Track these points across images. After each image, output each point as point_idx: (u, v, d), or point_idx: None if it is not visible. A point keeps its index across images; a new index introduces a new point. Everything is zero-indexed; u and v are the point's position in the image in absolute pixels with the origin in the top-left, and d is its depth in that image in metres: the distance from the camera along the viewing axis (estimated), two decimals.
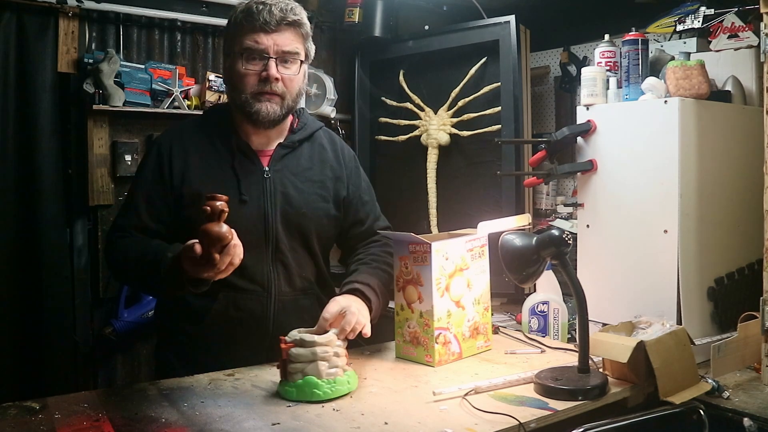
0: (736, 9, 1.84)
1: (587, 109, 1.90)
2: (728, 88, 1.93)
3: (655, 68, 1.93)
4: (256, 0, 1.55)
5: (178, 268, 1.36)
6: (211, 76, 2.68)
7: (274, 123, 1.60)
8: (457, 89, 2.60)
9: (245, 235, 1.51)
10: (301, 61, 1.60)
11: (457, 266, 1.60)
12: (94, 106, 2.42)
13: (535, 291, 1.95)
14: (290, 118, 1.70)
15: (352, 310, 1.46)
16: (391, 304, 1.66)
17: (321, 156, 1.71)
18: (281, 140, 1.66)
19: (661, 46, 2.11)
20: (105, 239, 1.61)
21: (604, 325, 1.69)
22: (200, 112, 2.59)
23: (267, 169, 1.61)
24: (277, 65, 1.55)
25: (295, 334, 1.38)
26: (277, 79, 1.55)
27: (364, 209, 1.78)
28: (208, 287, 1.39)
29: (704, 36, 2.00)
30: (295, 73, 1.59)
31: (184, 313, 1.60)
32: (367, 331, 1.49)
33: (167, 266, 1.40)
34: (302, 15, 1.58)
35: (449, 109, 2.63)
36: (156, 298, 1.53)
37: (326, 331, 1.41)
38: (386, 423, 1.21)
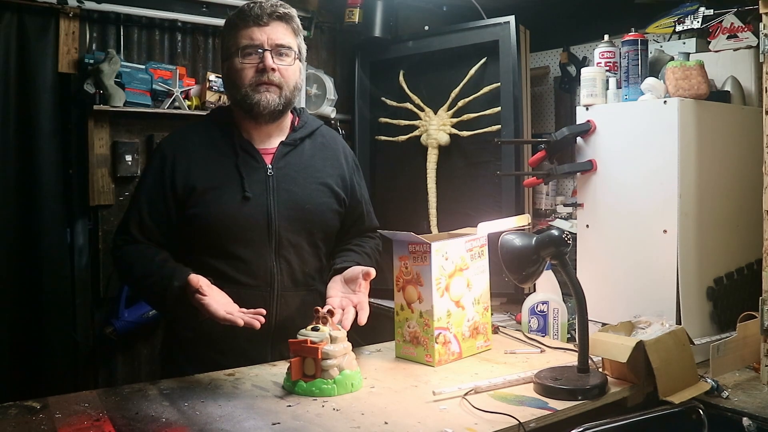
0: (735, 9, 1.85)
1: (587, 109, 1.91)
2: (727, 88, 1.93)
3: (654, 68, 1.93)
4: (247, 2, 1.63)
5: (184, 296, 1.47)
6: (212, 77, 2.68)
7: (274, 115, 1.63)
8: (457, 89, 2.60)
9: (248, 232, 1.60)
10: (296, 56, 1.65)
11: (457, 266, 1.61)
12: (95, 107, 2.41)
13: (534, 291, 1.95)
14: (291, 116, 1.72)
15: (350, 297, 1.54)
16: (391, 304, 1.67)
17: (323, 152, 1.74)
18: (283, 138, 1.68)
19: (661, 47, 2.11)
20: (111, 242, 1.68)
21: (604, 324, 1.69)
22: (201, 113, 2.61)
23: (270, 166, 1.64)
24: (272, 57, 1.59)
25: (311, 333, 1.39)
26: (273, 69, 1.59)
27: (360, 206, 1.81)
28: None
29: (703, 36, 2.00)
30: (290, 64, 1.62)
31: (188, 309, 1.61)
32: (363, 319, 1.52)
33: (173, 296, 1.48)
34: (292, 10, 1.65)
35: (449, 109, 2.63)
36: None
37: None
38: (386, 423, 1.21)
